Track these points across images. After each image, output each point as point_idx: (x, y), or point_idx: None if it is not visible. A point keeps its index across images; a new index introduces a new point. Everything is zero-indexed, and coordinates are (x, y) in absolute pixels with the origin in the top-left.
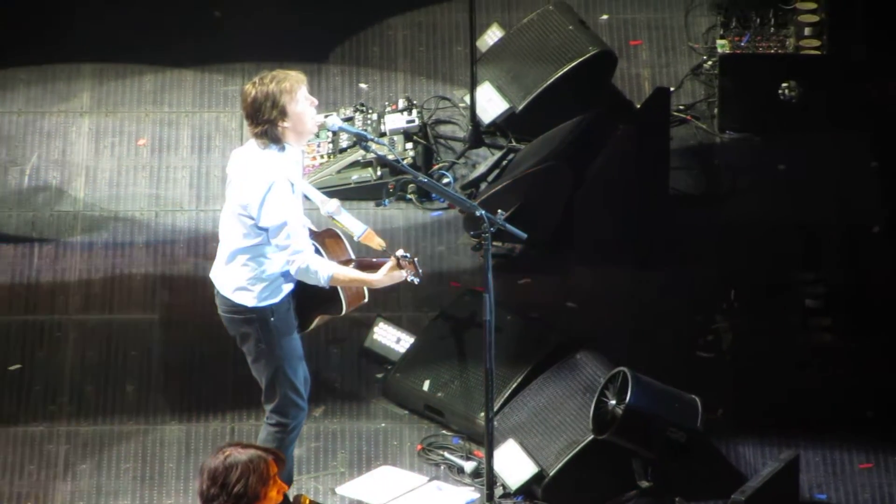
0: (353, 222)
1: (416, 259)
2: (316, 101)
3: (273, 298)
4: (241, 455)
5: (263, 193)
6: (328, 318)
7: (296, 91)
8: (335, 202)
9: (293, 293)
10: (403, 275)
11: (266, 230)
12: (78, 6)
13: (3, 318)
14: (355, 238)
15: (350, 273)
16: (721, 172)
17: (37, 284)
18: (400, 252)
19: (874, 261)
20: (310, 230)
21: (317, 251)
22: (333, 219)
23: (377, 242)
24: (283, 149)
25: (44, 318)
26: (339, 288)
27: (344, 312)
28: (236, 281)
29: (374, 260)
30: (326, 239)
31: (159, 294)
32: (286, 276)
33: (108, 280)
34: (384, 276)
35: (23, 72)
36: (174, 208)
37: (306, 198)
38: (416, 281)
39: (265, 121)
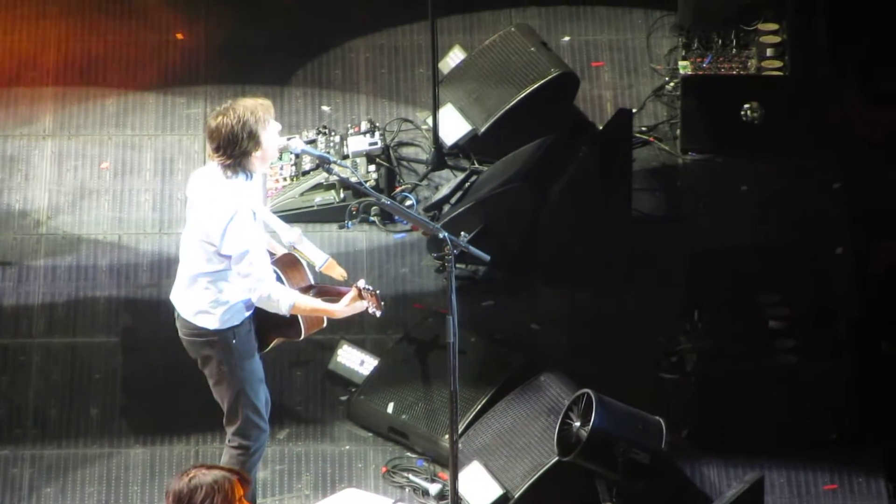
0: (314, 252)
1: (377, 292)
2: (280, 126)
3: (234, 321)
4: (205, 476)
5: (226, 222)
6: (285, 340)
7: (268, 120)
8: (297, 231)
9: (253, 315)
10: (364, 305)
11: (228, 257)
12: (41, 29)
13: None
14: (317, 268)
15: (311, 303)
16: (683, 194)
17: (0, 308)
18: (362, 283)
19: (838, 282)
20: (270, 254)
21: (277, 278)
22: (295, 248)
23: (339, 273)
24: (250, 177)
25: (7, 342)
26: (298, 315)
27: (303, 337)
28: (197, 304)
29: (336, 288)
30: (286, 265)
31: (123, 317)
32: (247, 300)
33: (71, 303)
34: (345, 307)
35: None
36: (137, 231)
37: (267, 227)
38: (378, 314)
39: (240, 153)
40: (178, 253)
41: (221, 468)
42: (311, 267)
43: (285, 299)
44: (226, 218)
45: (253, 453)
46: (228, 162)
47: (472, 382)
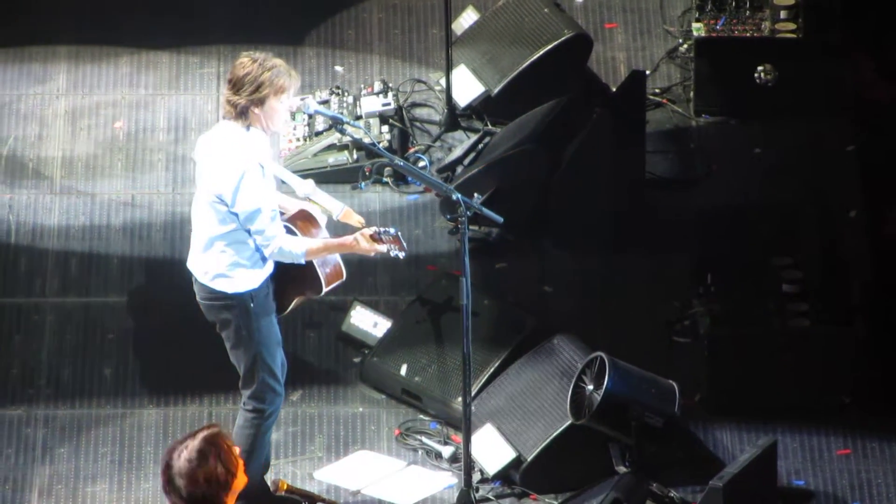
0: (330, 201)
1: (398, 234)
2: (294, 108)
3: (252, 283)
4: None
5: (237, 181)
6: (305, 299)
7: (284, 90)
8: (310, 182)
9: (272, 276)
10: (384, 248)
11: (238, 215)
12: None
13: None
14: (334, 217)
15: (323, 242)
16: (697, 156)
17: (14, 267)
18: (381, 228)
19: (851, 246)
20: (281, 212)
21: (290, 233)
22: (311, 199)
23: (356, 220)
24: (247, 128)
25: (21, 301)
26: (316, 266)
27: (324, 292)
28: (215, 268)
29: None
30: (299, 221)
31: (136, 277)
32: (264, 260)
33: (85, 263)
34: (359, 237)
35: None
36: (151, 191)
37: (281, 181)
38: (402, 255)
39: (243, 96)
40: (191, 214)
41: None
42: (329, 216)
43: (298, 248)
44: (236, 176)
45: (268, 416)
46: (231, 99)
47: (484, 345)
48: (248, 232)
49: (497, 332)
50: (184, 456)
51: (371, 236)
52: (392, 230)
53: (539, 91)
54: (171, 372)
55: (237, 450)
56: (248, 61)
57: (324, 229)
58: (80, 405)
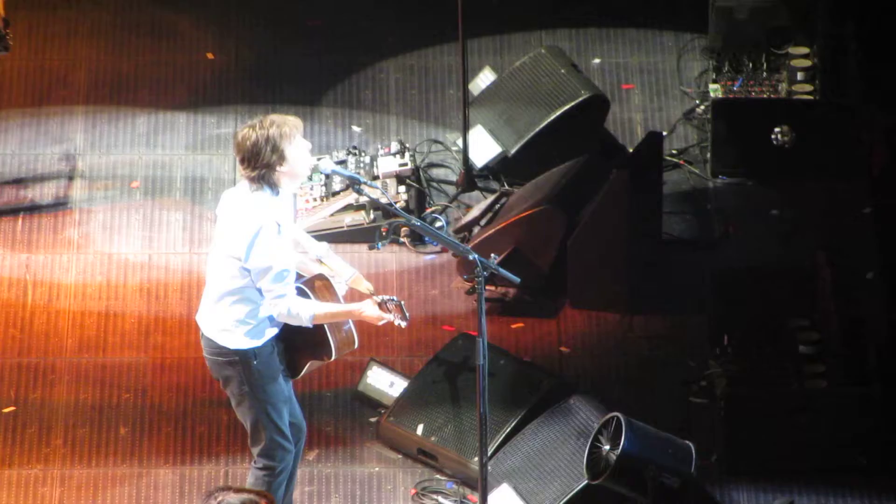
0: (341, 266)
1: (402, 303)
2: (310, 145)
3: (256, 341)
4: (232, 499)
5: (252, 236)
6: (319, 364)
7: (294, 136)
8: (324, 245)
9: (279, 337)
10: (388, 317)
11: (250, 271)
12: (72, 48)
13: None
14: (343, 281)
15: (332, 308)
16: (714, 217)
17: (31, 326)
18: (385, 296)
19: (868, 307)
20: (298, 275)
21: (304, 296)
22: (322, 262)
23: (365, 287)
24: (277, 193)
25: (38, 360)
26: (328, 332)
27: (334, 357)
28: (221, 323)
29: None
30: (318, 284)
31: (153, 336)
32: (271, 319)
33: (101, 322)
34: (366, 306)
35: (17, 113)
36: (168, 251)
37: (295, 242)
38: (403, 324)
39: (263, 165)
40: (207, 275)
41: (249, 491)
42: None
43: (306, 311)
44: (252, 231)
45: (278, 474)
46: (253, 175)
47: (501, 405)
48: (259, 290)
49: (514, 391)
50: (216, 502)
51: (378, 304)
52: (395, 298)
53: (556, 152)
54: (187, 431)
55: None
56: (248, 132)
57: (339, 296)
58: (97, 464)
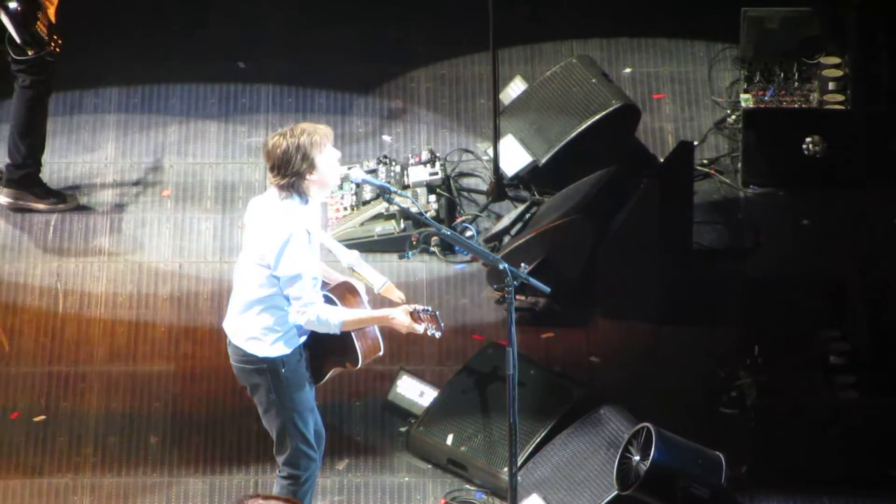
0: (373, 274)
1: (437, 313)
2: (340, 155)
3: (285, 349)
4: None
5: (282, 244)
6: (342, 370)
7: (325, 144)
8: (355, 254)
9: (306, 345)
10: (422, 327)
11: (279, 279)
12: (102, 59)
13: (28, 370)
14: (375, 290)
15: (361, 314)
16: (745, 227)
17: (62, 335)
18: (419, 306)
19: None
20: (325, 283)
21: (331, 303)
22: (353, 271)
23: (396, 296)
24: (306, 201)
25: (68, 369)
26: (354, 339)
27: (360, 364)
28: (249, 331)
29: None
30: (346, 292)
31: (183, 345)
32: (299, 327)
33: (132, 331)
34: (398, 312)
35: (48, 122)
36: (198, 259)
37: (327, 250)
38: (438, 335)
39: (293, 172)
40: (234, 276)
41: (278, 498)
42: (370, 289)
43: (334, 318)
44: (282, 239)
45: (303, 483)
46: (283, 182)
47: (531, 415)
48: (287, 298)
49: (544, 402)
50: None
51: (410, 313)
52: (429, 309)
53: (586, 161)
54: (217, 440)
55: None
56: (278, 139)
57: (365, 303)
58: (126, 473)
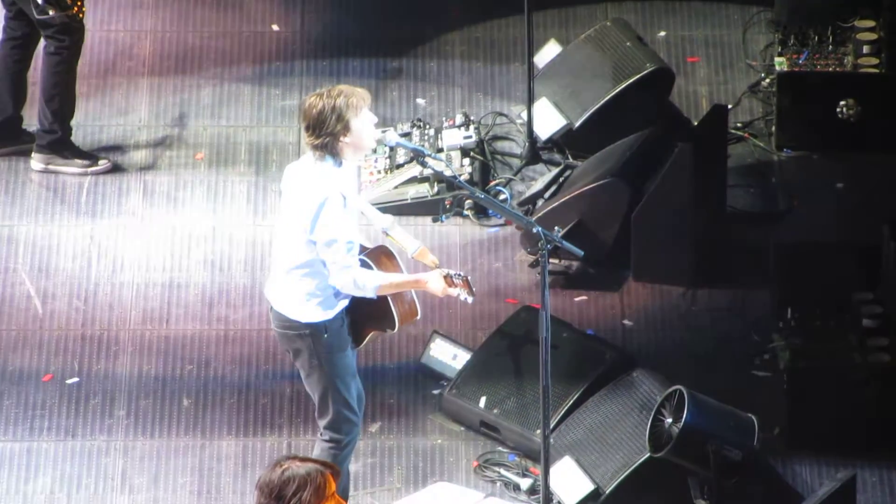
0: (407, 239)
1: (468, 278)
2: (376, 119)
3: (327, 314)
4: (298, 468)
5: (317, 208)
6: (381, 333)
7: (361, 107)
8: (390, 218)
9: (347, 309)
10: (455, 292)
11: (315, 243)
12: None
13: (61, 332)
14: (409, 254)
15: (397, 278)
16: (779, 190)
17: (95, 297)
18: (452, 270)
19: None
20: (362, 247)
21: (367, 267)
22: (388, 234)
23: (430, 260)
24: (339, 163)
25: (101, 332)
26: (391, 303)
27: (397, 328)
28: (291, 296)
29: None
30: (382, 256)
31: (216, 308)
32: (340, 292)
33: (165, 294)
34: (432, 276)
35: (81, 85)
36: (231, 222)
37: (360, 213)
38: (470, 300)
39: (327, 133)
40: (272, 244)
41: (315, 461)
42: (403, 253)
43: (371, 282)
44: (317, 203)
45: (344, 447)
46: (317, 143)
47: (564, 378)
48: (324, 262)
49: (576, 365)
50: (281, 470)
51: (444, 277)
52: (461, 273)
53: (620, 124)
54: (250, 402)
55: (339, 502)
56: (315, 99)
57: (402, 268)
58: (159, 435)
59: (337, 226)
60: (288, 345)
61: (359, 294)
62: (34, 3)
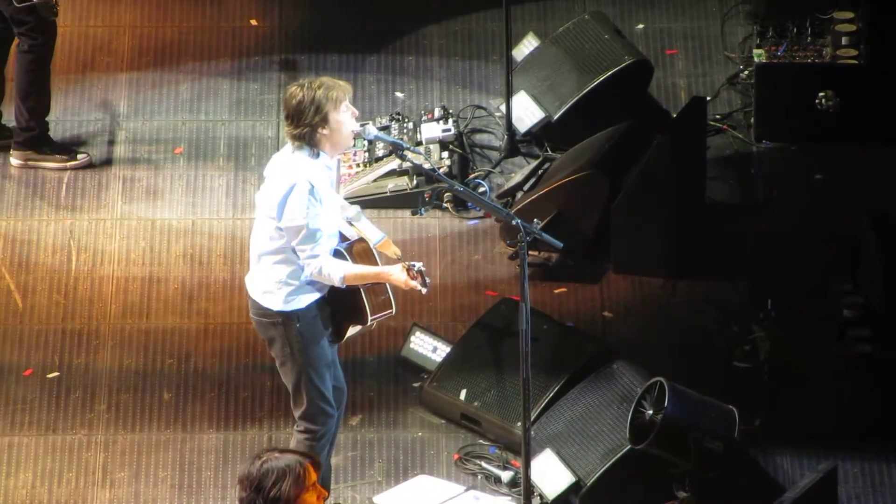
0: (370, 229)
1: (422, 268)
2: (357, 113)
3: (299, 304)
4: (277, 460)
5: (285, 193)
6: (360, 328)
7: (341, 101)
8: (355, 208)
9: (326, 301)
10: (415, 284)
11: (283, 230)
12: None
13: (42, 326)
14: (371, 244)
15: (361, 269)
16: (757, 182)
17: (75, 292)
18: (410, 262)
19: None
20: (343, 237)
21: (342, 258)
22: (352, 224)
23: (393, 251)
24: (316, 155)
25: (81, 326)
26: (363, 296)
27: (369, 321)
28: (264, 284)
29: None
30: (356, 245)
31: (196, 302)
32: (313, 282)
33: (145, 288)
34: (395, 269)
35: (60, 80)
36: (211, 216)
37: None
38: (424, 291)
39: (305, 124)
40: (251, 237)
41: (294, 452)
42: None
43: (337, 271)
44: (284, 189)
45: (320, 438)
46: (295, 132)
47: (544, 370)
48: (294, 250)
49: (557, 357)
50: (260, 462)
51: (406, 270)
52: (416, 265)
53: (599, 117)
54: (231, 396)
55: (321, 493)
56: (296, 90)
57: (378, 261)
58: (140, 429)
59: (304, 212)
60: (263, 332)
61: (326, 283)
62: None
